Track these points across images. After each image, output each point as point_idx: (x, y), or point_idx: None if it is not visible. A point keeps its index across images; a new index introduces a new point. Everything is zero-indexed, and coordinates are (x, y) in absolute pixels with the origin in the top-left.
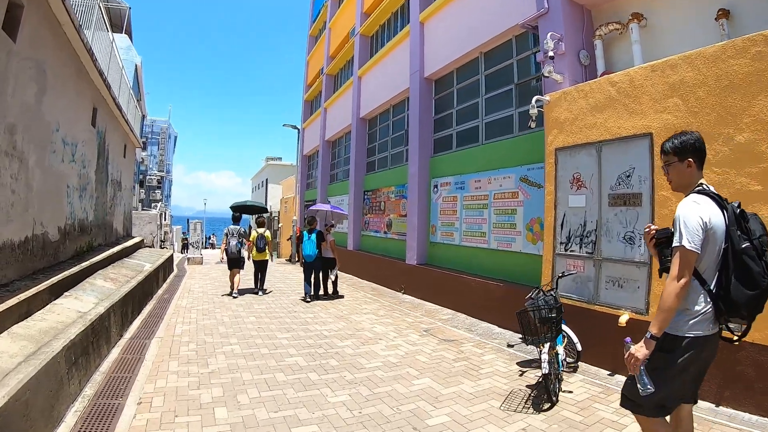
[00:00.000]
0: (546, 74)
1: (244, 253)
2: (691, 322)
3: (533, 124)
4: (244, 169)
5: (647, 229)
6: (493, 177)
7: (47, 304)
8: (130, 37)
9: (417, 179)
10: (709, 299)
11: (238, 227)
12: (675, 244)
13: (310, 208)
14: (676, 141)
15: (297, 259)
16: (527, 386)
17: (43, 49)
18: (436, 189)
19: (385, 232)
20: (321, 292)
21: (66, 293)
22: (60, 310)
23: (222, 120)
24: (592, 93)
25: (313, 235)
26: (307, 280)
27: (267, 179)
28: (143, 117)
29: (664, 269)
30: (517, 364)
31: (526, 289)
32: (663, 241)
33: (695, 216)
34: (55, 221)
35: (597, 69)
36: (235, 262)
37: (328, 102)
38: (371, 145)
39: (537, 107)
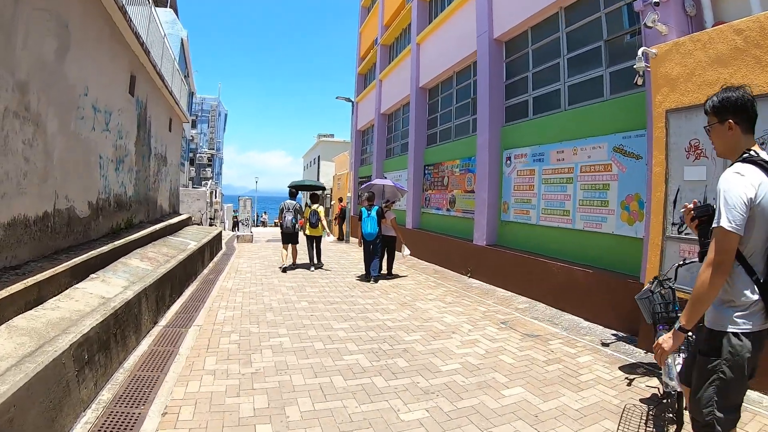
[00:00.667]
0: (649, 24)
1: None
2: (736, 315)
3: (641, 81)
4: (296, 148)
5: (685, 208)
6: (580, 147)
7: (66, 289)
8: (176, 12)
9: (487, 151)
10: (756, 290)
11: (295, 203)
12: (714, 224)
13: (367, 183)
14: (715, 99)
15: (342, 238)
16: (641, 401)
17: (62, 0)
18: (508, 162)
19: (447, 210)
20: (384, 271)
21: (93, 275)
22: (80, 295)
23: (273, 99)
24: (713, 43)
25: (373, 212)
26: (367, 260)
27: (319, 156)
28: (191, 93)
29: (704, 253)
30: (620, 369)
31: (620, 277)
32: (704, 221)
33: (737, 190)
34: (84, 195)
35: (705, 20)
36: (290, 237)
37: (383, 73)
38: (432, 116)
39: (644, 61)
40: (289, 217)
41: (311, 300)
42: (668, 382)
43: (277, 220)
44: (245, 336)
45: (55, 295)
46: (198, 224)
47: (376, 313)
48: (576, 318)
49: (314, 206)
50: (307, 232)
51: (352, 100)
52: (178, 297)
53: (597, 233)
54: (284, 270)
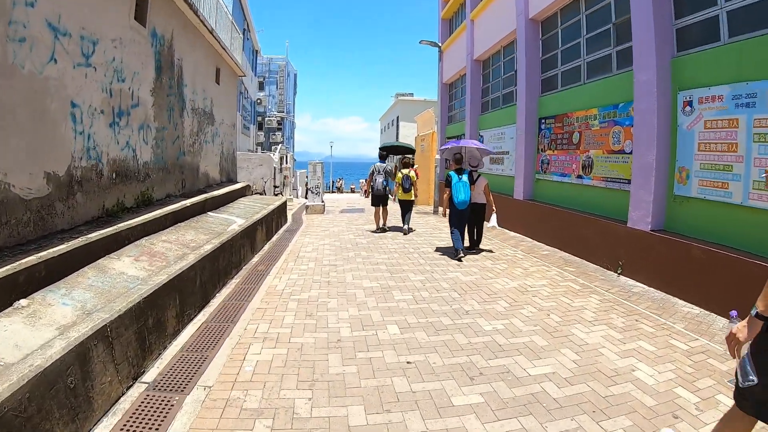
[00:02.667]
0: None
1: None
2: None
3: None
4: (371, 114)
5: None
6: None
7: None
8: None
9: (655, 92)
10: None
11: (385, 165)
12: None
13: (444, 146)
14: None
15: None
16: None
17: None
18: (689, 108)
19: (579, 176)
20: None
21: None
22: None
23: (346, 63)
24: None
25: (465, 176)
26: (458, 233)
27: (398, 117)
28: (255, 52)
29: None
30: None
31: None
32: None
33: None
34: (34, 163)
35: None
36: (380, 199)
37: (475, 11)
38: (549, 54)
39: None
40: (379, 179)
41: (401, 315)
42: (745, 376)
43: (368, 181)
44: (285, 421)
45: None
46: (260, 194)
47: (500, 336)
48: None
49: (406, 171)
50: (400, 196)
51: (439, 44)
52: (193, 316)
53: None
54: (376, 231)
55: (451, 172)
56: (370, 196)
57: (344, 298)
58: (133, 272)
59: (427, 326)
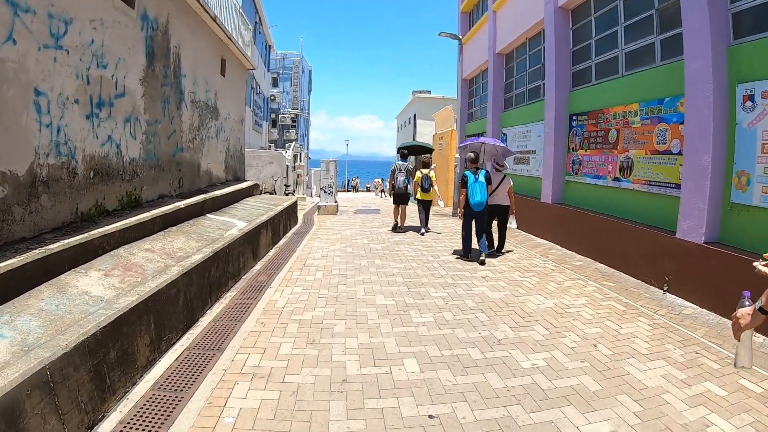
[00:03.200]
0: None
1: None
2: None
3: None
4: (387, 113)
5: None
6: None
7: None
8: None
9: (710, 84)
10: None
11: (406, 164)
12: None
13: (464, 143)
14: None
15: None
16: None
17: None
18: (750, 103)
19: (616, 179)
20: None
21: None
22: None
23: (362, 61)
24: None
25: (482, 176)
26: (473, 235)
27: (415, 115)
28: (268, 46)
29: None
30: None
31: None
32: None
33: None
34: None
35: None
36: (401, 198)
37: (498, 1)
38: (580, 45)
39: None
40: (401, 178)
41: (420, 344)
42: (736, 361)
43: (389, 181)
44: None
45: None
46: (270, 193)
47: (565, 404)
48: None
49: (426, 171)
50: (419, 196)
51: (459, 36)
52: (174, 341)
53: None
54: (395, 229)
55: (468, 172)
56: (391, 195)
57: (353, 320)
58: (98, 291)
59: (453, 361)
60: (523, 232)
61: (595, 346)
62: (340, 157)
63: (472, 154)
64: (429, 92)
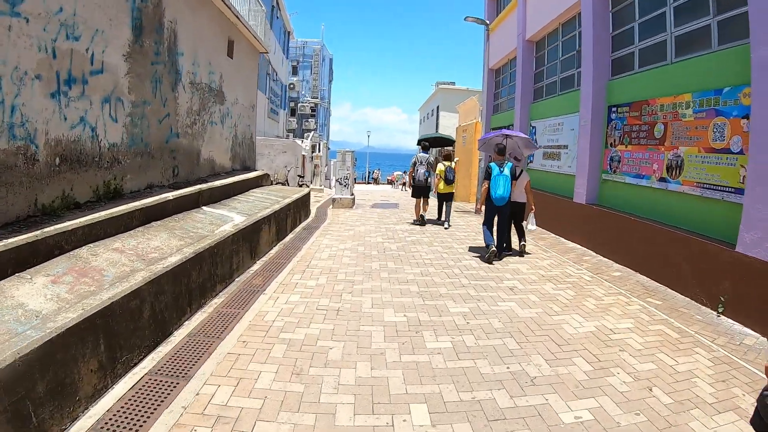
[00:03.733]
0: None
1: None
2: None
3: None
4: (410, 105)
5: None
6: None
7: None
8: None
9: None
10: None
11: (427, 156)
12: None
13: (485, 136)
14: None
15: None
16: None
17: None
18: None
19: (662, 179)
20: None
21: None
22: None
23: (388, 52)
24: None
25: (507, 169)
26: (491, 231)
27: (438, 107)
28: (287, 33)
29: None
30: None
31: None
32: None
33: None
34: None
35: None
36: (421, 190)
37: None
38: (621, 29)
39: None
40: (422, 170)
41: (434, 382)
42: None
43: (410, 173)
44: None
45: None
46: (282, 184)
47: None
48: None
49: (449, 163)
50: (441, 188)
51: (486, 21)
52: (135, 362)
53: None
54: (415, 223)
55: (492, 164)
56: (411, 188)
57: (354, 343)
58: (37, 304)
59: (473, 411)
60: (553, 234)
61: (651, 390)
62: (362, 148)
63: (501, 145)
64: (453, 84)
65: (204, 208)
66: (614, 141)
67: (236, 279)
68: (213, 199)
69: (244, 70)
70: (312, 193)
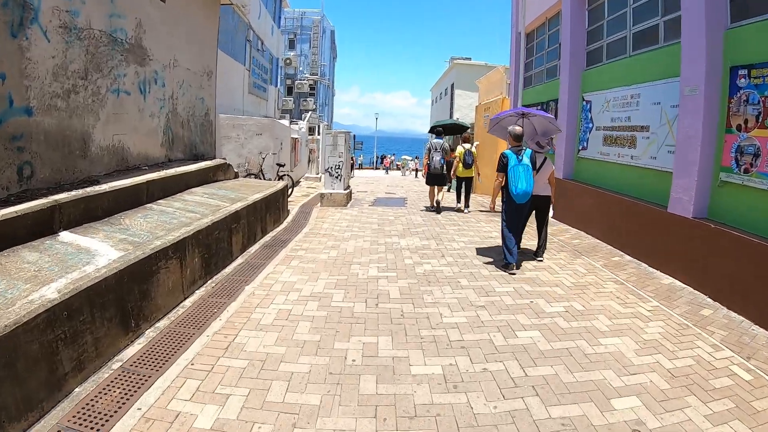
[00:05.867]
0: None
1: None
2: None
3: None
4: (420, 88)
5: None
6: None
7: None
8: None
9: None
10: None
11: (442, 142)
12: None
13: (497, 116)
14: None
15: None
16: None
17: None
18: None
19: None
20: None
21: None
22: None
23: (398, 32)
24: None
25: (526, 157)
26: (513, 238)
27: (452, 85)
28: None
29: None
30: None
31: None
32: None
33: None
34: None
35: None
36: (437, 179)
37: None
38: None
39: None
40: (437, 157)
41: None
42: None
43: (424, 160)
44: None
45: None
46: (254, 176)
47: None
48: None
49: (467, 146)
50: (460, 172)
51: None
52: None
53: None
54: (429, 209)
55: (508, 152)
56: (425, 176)
57: None
58: None
59: None
60: (635, 260)
61: None
62: (372, 133)
63: (518, 128)
64: (469, 59)
65: (63, 233)
66: (744, 122)
67: (127, 351)
68: (92, 215)
69: (189, 22)
70: (304, 185)
